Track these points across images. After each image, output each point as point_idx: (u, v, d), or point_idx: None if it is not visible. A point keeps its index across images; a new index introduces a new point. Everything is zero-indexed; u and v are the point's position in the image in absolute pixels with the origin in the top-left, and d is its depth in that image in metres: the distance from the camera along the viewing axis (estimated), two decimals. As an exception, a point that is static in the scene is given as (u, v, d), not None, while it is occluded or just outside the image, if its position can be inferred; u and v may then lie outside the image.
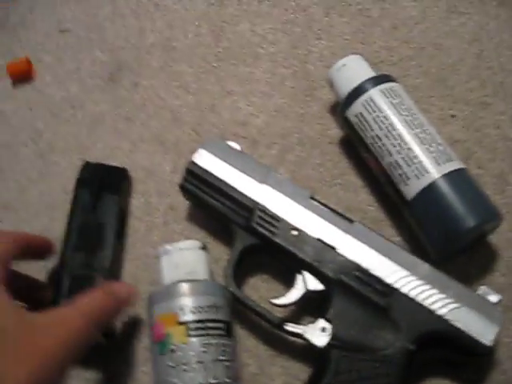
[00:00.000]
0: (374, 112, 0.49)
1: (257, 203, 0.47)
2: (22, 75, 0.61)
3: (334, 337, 0.44)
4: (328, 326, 0.44)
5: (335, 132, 0.56)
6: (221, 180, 0.48)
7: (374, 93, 0.50)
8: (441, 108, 0.56)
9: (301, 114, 0.57)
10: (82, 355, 0.39)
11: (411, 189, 0.47)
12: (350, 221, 0.47)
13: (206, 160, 0.49)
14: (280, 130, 0.57)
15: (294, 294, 0.46)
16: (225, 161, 0.49)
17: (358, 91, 0.50)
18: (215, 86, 0.59)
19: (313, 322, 0.45)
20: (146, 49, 0.62)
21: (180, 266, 0.46)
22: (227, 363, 0.43)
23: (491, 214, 0.47)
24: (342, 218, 0.47)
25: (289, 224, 0.47)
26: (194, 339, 0.42)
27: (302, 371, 0.47)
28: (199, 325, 0.43)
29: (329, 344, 0.44)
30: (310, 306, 0.48)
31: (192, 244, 0.47)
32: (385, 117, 0.49)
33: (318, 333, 0.44)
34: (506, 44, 0.58)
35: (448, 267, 0.47)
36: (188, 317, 0.43)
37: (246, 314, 0.48)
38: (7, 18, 0.65)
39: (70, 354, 0.37)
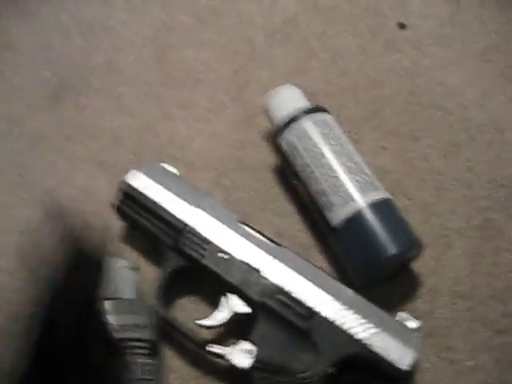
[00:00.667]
0: (305, 140, 0.51)
1: (186, 225, 0.48)
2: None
3: (256, 359, 0.44)
4: (251, 347, 0.45)
5: (270, 159, 0.57)
6: (152, 200, 0.49)
7: (305, 122, 0.51)
8: (372, 139, 0.58)
9: (238, 140, 0.58)
10: None
11: (336, 216, 0.49)
12: (278, 245, 0.48)
13: (138, 180, 0.50)
14: (217, 155, 0.58)
15: (218, 316, 0.47)
16: (157, 182, 0.50)
17: (291, 120, 0.52)
18: (155, 108, 0.60)
19: (237, 344, 0.46)
20: (90, 69, 0.63)
21: (106, 284, 0.46)
22: (150, 382, 0.43)
23: (412, 243, 0.49)
24: (270, 242, 0.49)
25: (216, 246, 0.47)
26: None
27: (226, 393, 0.48)
28: (122, 343, 0.43)
29: (251, 365, 0.44)
30: (238, 328, 0.48)
31: (120, 263, 0.47)
32: (314, 145, 0.50)
33: (241, 354, 0.45)
34: (437, 81, 0.61)
35: (372, 293, 0.48)
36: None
37: (173, 335, 0.49)
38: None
39: None
